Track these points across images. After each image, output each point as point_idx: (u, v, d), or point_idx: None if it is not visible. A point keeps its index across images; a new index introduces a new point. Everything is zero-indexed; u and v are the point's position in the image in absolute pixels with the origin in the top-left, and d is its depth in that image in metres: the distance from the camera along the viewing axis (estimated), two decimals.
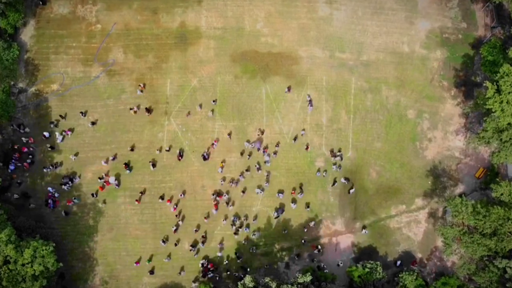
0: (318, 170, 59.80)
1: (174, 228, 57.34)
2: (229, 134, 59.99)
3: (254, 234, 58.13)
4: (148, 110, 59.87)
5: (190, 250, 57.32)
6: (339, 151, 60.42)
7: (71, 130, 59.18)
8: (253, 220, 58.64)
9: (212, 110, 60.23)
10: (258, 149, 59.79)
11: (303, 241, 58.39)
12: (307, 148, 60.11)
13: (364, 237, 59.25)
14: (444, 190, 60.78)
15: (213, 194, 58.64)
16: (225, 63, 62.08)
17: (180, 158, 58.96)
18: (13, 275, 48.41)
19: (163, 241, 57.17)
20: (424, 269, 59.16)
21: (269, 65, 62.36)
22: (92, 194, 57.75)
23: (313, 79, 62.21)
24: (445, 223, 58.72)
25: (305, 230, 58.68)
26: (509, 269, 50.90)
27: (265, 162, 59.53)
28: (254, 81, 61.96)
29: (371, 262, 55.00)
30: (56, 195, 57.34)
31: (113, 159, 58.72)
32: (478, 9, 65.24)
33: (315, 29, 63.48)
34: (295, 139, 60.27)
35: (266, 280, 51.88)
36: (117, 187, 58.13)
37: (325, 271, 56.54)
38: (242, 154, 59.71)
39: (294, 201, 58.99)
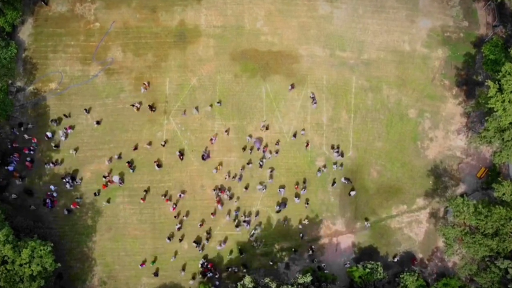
0: (319, 170, 59.47)
1: (179, 226, 57.06)
2: (227, 131, 59.60)
3: (256, 229, 57.96)
4: (151, 108, 59.41)
5: (196, 247, 56.90)
6: (338, 147, 60.22)
7: (72, 127, 58.90)
8: (254, 217, 58.47)
9: (211, 105, 59.83)
10: (258, 149, 59.47)
11: (301, 235, 58.13)
12: (307, 145, 59.77)
13: (365, 237, 58.91)
14: (446, 190, 60.44)
15: (214, 190, 58.39)
16: (225, 61, 61.67)
17: (181, 158, 58.60)
18: (10, 275, 48.05)
19: (169, 238, 56.87)
20: (425, 270, 58.84)
21: (269, 64, 61.96)
22: (95, 193, 57.41)
23: (313, 78, 61.81)
24: (447, 223, 58.37)
25: (300, 227, 58.37)
26: (511, 269, 50.61)
27: (266, 158, 59.21)
28: (254, 80, 61.57)
29: (372, 262, 54.70)
30: (54, 194, 56.93)
31: (118, 157, 58.32)
32: (479, 7, 64.83)
33: (316, 28, 63.06)
34: (294, 135, 59.94)
35: (266, 281, 51.59)
36: (120, 185, 57.71)
37: (325, 271, 56.26)
38: (244, 149, 59.35)
39: (297, 195, 58.68)
